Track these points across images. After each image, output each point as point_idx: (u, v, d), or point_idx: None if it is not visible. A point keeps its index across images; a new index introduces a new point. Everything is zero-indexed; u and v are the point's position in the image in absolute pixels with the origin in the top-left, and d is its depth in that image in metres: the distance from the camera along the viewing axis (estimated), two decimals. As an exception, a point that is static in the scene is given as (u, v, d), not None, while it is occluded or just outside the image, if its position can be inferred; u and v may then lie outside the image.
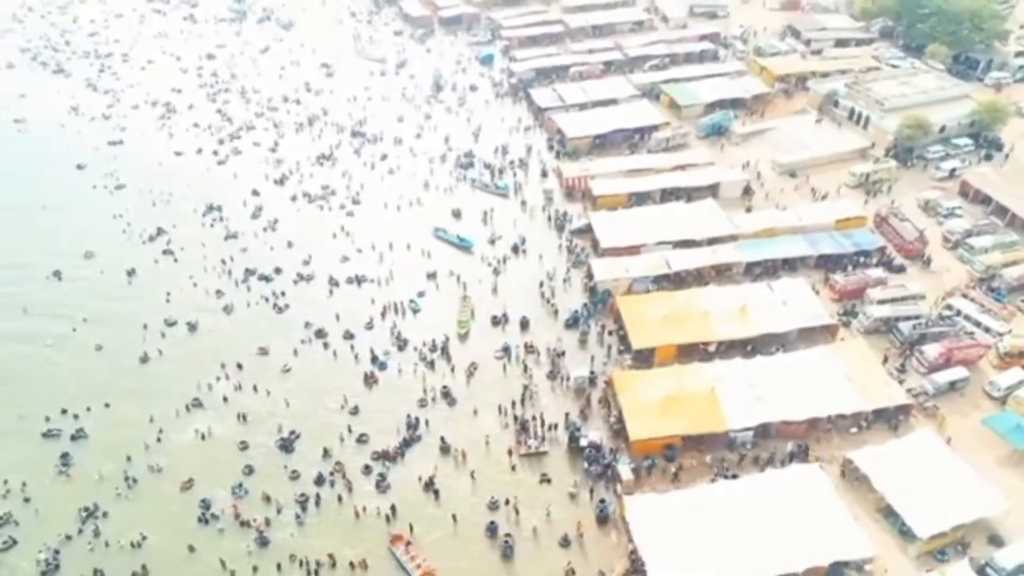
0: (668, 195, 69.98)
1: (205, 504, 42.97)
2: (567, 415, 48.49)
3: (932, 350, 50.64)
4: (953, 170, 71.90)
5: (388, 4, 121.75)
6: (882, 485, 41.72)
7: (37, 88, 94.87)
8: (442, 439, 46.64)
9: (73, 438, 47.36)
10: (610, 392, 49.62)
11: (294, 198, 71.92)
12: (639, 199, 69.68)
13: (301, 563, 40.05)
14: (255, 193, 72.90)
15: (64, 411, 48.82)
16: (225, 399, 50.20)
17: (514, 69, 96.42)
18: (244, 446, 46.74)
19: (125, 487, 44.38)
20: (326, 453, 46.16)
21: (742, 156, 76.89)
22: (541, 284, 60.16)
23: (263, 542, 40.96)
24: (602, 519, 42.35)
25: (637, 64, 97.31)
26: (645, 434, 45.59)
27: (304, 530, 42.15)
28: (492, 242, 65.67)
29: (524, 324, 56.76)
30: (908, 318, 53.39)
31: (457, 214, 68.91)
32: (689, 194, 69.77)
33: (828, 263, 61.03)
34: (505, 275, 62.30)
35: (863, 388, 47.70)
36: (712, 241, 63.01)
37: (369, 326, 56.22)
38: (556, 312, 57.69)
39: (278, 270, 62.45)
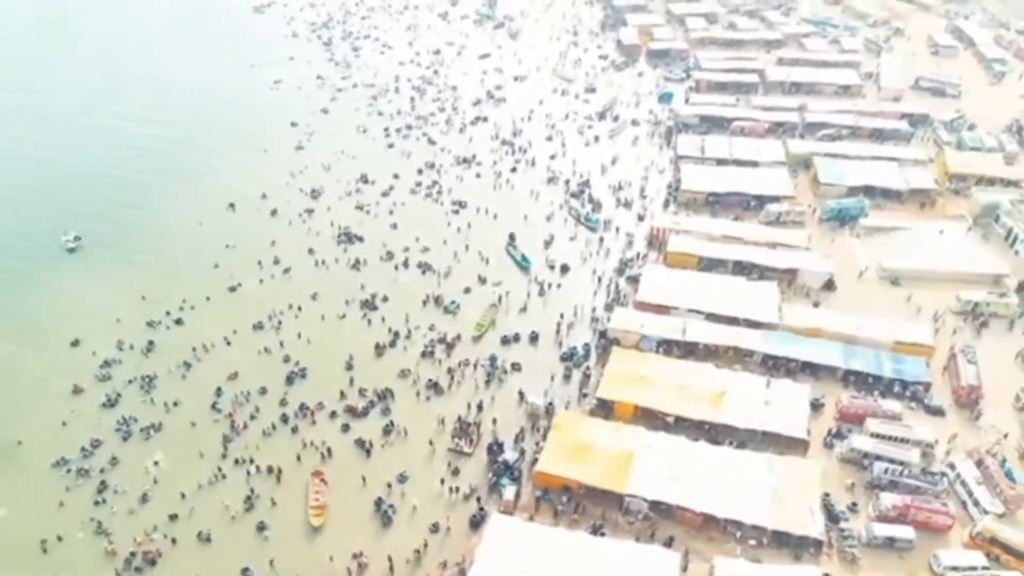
0: (744, 268, 69.57)
1: (218, 394, 56.78)
2: (495, 432, 54.01)
3: (887, 500, 47.05)
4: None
5: (612, 28, 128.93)
6: (726, 600, 41.84)
7: (304, 56, 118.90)
8: (391, 422, 55.06)
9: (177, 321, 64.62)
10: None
11: (413, 190, 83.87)
12: (710, 264, 70.25)
13: (248, 461, 51.81)
14: (395, 176, 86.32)
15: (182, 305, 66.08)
16: (279, 325, 63.87)
17: (680, 111, 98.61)
18: (262, 370, 59.73)
19: (192, 358, 60.04)
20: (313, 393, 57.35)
21: (858, 250, 72.65)
22: (562, 316, 64.92)
23: (228, 440, 53.49)
24: (474, 523, 48.02)
25: (813, 129, 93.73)
26: (548, 469, 49.74)
27: (266, 440, 53.85)
28: (551, 267, 71.54)
29: (533, 338, 62.67)
30: (890, 460, 49.59)
31: (548, 242, 75.14)
32: (763, 272, 68.73)
33: (861, 381, 57.54)
34: (547, 298, 68.04)
35: (780, 507, 46.51)
36: (751, 324, 62.41)
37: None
38: (561, 343, 62.48)
39: (360, 238, 74.93)
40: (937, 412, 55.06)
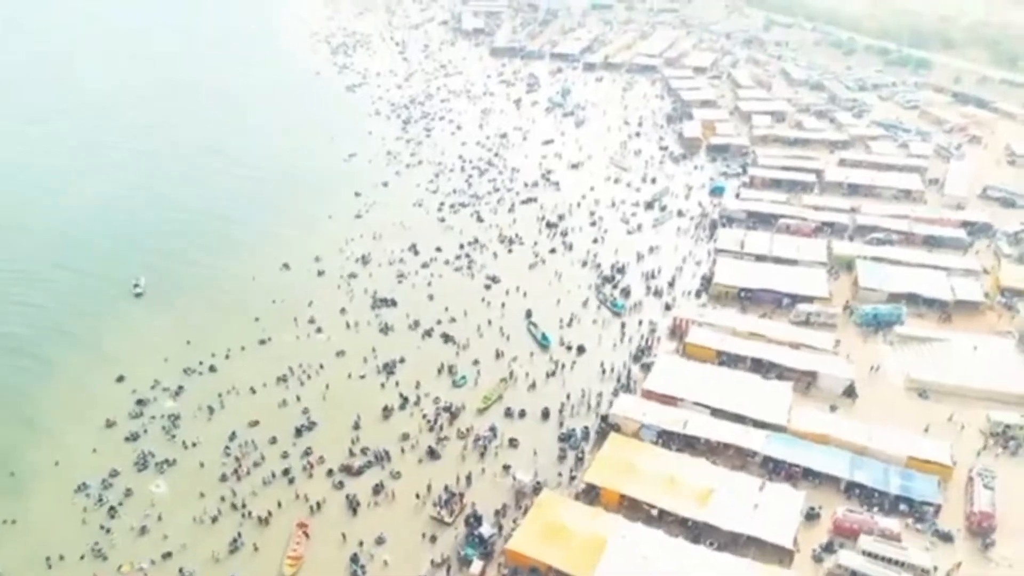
0: (762, 367, 68.61)
1: (231, 438, 60.75)
2: (474, 505, 54.79)
3: (867, 624, 44.57)
4: None
5: (678, 122, 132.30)
6: None
7: (381, 132, 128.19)
8: (380, 483, 57.03)
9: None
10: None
11: (450, 263, 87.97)
12: (729, 359, 69.72)
13: (242, 506, 54.83)
14: (438, 249, 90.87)
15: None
16: (304, 380, 67.87)
17: (728, 206, 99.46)
18: (278, 420, 63.43)
19: (217, 403, 64.60)
20: (308, 451, 60.11)
21: (889, 360, 70.31)
22: (568, 397, 65.80)
23: (226, 480, 56.88)
24: (438, 592, 48.70)
25: (864, 232, 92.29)
26: (520, 548, 49.99)
27: (264, 488, 56.82)
28: (567, 347, 72.90)
29: (545, 414, 63.81)
30: (877, 583, 47.06)
31: (567, 321, 76.89)
32: (782, 372, 67.59)
33: (866, 495, 55.11)
34: (558, 378, 69.23)
35: (748, 617, 44.90)
36: (758, 424, 61.28)
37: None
38: (562, 424, 63.20)
39: (394, 302, 79.20)
40: (945, 537, 51.82)
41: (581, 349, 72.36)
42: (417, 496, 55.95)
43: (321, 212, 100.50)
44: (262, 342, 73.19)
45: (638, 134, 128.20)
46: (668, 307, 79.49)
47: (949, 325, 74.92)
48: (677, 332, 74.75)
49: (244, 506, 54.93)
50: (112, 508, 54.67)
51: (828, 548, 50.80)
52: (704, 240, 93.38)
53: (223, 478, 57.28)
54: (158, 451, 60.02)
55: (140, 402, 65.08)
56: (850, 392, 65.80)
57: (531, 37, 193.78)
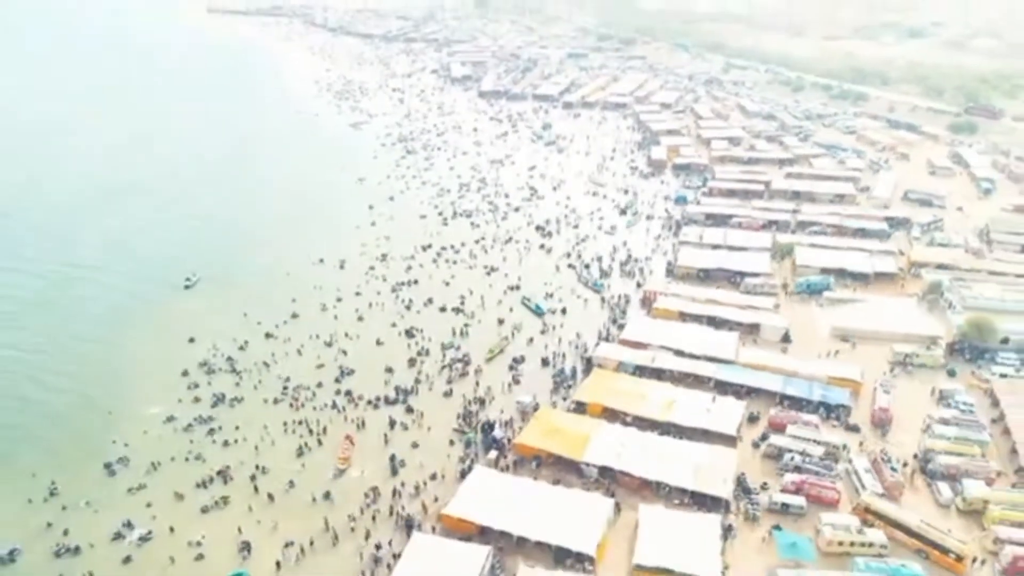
0: (716, 324, 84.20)
1: (287, 381, 74.78)
2: (488, 418, 69.15)
3: (789, 477, 59.28)
4: (1003, 375, 72.47)
5: (647, 148, 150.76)
6: (642, 532, 54.61)
7: (385, 159, 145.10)
8: (411, 407, 71.40)
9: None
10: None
11: (451, 258, 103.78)
12: (690, 319, 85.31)
13: (304, 423, 68.78)
14: (443, 247, 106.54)
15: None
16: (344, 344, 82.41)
17: (688, 210, 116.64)
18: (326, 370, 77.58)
19: (271, 360, 78.48)
20: (349, 392, 74.19)
21: (819, 316, 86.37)
22: (559, 342, 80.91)
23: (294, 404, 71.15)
24: (463, 474, 62.45)
25: (804, 227, 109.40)
26: (525, 442, 64.37)
27: (317, 414, 70.73)
28: (553, 312, 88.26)
29: (544, 362, 78.52)
30: (797, 452, 61.89)
31: (551, 295, 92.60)
32: (732, 326, 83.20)
33: (795, 404, 70.19)
34: (550, 335, 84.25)
35: (700, 477, 59.34)
36: (712, 360, 76.55)
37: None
38: (555, 366, 78.08)
39: (416, 282, 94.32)
40: (853, 429, 66.96)
41: (564, 311, 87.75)
42: (448, 394, 70.43)
43: (340, 222, 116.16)
44: (294, 316, 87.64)
45: (612, 158, 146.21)
46: (639, 285, 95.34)
47: (868, 291, 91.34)
48: (647, 302, 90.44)
49: (303, 423, 68.87)
50: (208, 428, 68.28)
51: (763, 438, 65.61)
52: (669, 236, 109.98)
53: (286, 407, 71.34)
54: (228, 393, 73.86)
55: (203, 364, 78.70)
56: (786, 339, 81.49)
57: (514, 82, 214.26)
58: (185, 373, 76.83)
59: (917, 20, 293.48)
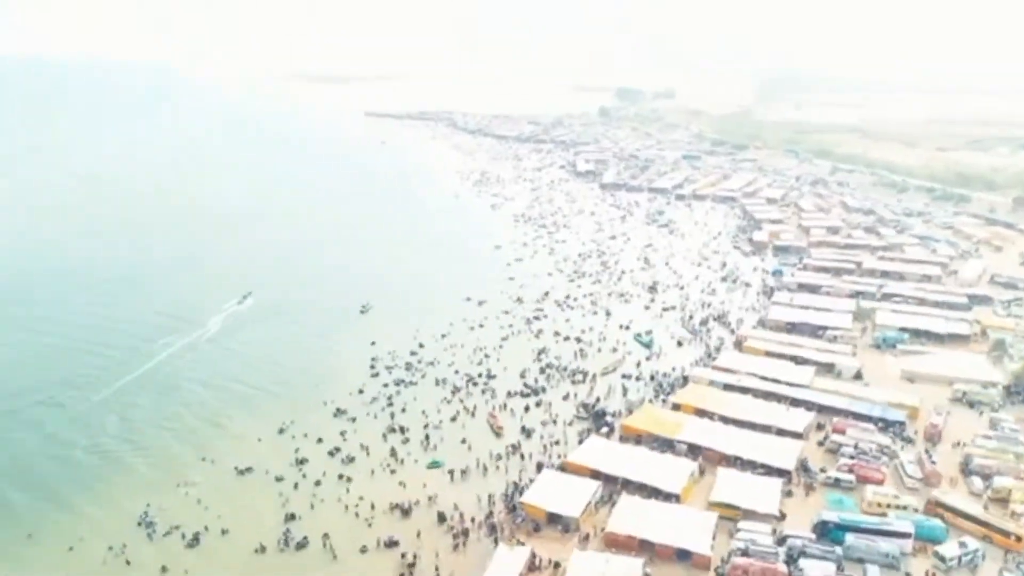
0: (797, 361, 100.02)
1: (455, 373, 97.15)
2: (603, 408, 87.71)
3: (843, 460, 74.35)
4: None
5: (748, 231, 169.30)
6: (718, 483, 71.21)
7: (522, 233, 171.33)
8: (540, 400, 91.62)
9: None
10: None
11: (573, 305, 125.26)
12: (774, 356, 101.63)
13: (461, 402, 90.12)
14: (567, 296, 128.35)
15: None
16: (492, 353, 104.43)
17: (782, 280, 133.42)
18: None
19: (438, 359, 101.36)
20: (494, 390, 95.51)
21: (891, 362, 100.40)
22: (665, 373, 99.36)
23: (455, 392, 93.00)
24: (580, 441, 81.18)
25: (888, 299, 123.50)
26: (631, 423, 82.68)
27: (470, 398, 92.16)
28: (658, 352, 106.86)
29: (651, 377, 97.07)
30: (853, 446, 76.77)
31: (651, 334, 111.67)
32: (810, 364, 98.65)
33: (858, 418, 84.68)
34: (655, 362, 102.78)
35: (767, 454, 75.34)
36: (790, 385, 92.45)
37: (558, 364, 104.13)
38: (661, 383, 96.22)
39: (545, 316, 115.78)
40: (906, 440, 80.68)
41: (664, 349, 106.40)
42: (566, 398, 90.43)
43: (481, 274, 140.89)
44: (444, 335, 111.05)
45: (716, 239, 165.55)
46: (733, 332, 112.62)
47: (940, 348, 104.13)
48: (739, 343, 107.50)
49: (461, 402, 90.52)
50: (388, 399, 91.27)
51: (826, 438, 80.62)
52: (763, 299, 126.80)
53: (452, 390, 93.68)
54: (404, 379, 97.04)
55: (372, 361, 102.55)
56: (858, 376, 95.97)
57: (632, 177, 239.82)
58: (372, 365, 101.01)
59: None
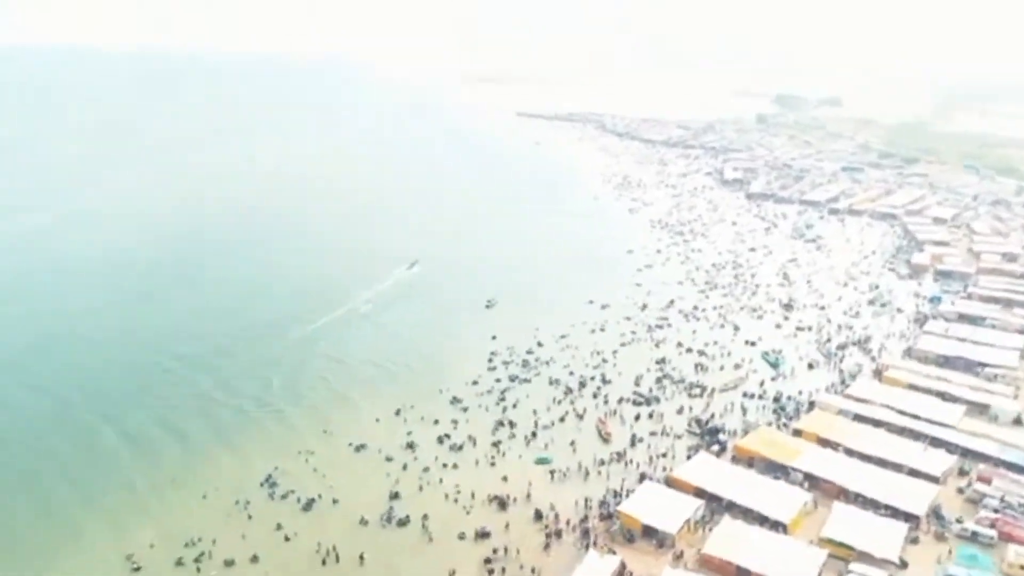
0: (945, 398, 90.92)
1: (569, 374, 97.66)
2: (715, 424, 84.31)
3: (985, 512, 67.07)
4: None
5: (908, 252, 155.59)
6: (833, 517, 66.44)
7: (656, 239, 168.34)
8: (653, 411, 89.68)
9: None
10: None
11: (701, 317, 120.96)
12: (919, 391, 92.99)
13: (570, 403, 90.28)
14: (694, 307, 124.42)
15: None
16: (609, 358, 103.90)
17: (940, 308, 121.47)
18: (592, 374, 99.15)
19: (557, 359, 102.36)
20: (597, 392, 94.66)
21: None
22: (791, 396, 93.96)
23: (568, 394, 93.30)
24: (688, 457, 78.69)
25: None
26: (744, 445, 78.97)
27: (581, 401, 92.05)
28: (785, 375, 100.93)
29: (775, 400, 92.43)
30: (998, 497, 68.80)
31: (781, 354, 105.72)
32: (960, 403, 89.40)
33: (1008, 467, 75.85)
34: (781, 383, 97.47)
35: (894, 494, 69.19)
36: (933, 423, 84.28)
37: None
38: (784, 406, 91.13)
39: (669, 325, 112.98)
40: (1064, 493, 71.15)
41: (794, 370, 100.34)
42: (680, 411, 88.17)
43: (609, 278, 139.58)
44: (564, 336, 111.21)
45: (868, 258, 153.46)
46: (873, 359, 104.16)
47: None
48: (878, 373, 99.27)
49: (572, 403, 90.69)
50: (501, 394, 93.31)
51: (968, 485, 72.75)
52: (914, 328, 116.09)
53: (566, 391, 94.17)
54: (521, 375, 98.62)
55: (491, 358, 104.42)
56: (1018, 422, 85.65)
57: (783, 187, 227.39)
58: (490, 359, 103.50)
59: None
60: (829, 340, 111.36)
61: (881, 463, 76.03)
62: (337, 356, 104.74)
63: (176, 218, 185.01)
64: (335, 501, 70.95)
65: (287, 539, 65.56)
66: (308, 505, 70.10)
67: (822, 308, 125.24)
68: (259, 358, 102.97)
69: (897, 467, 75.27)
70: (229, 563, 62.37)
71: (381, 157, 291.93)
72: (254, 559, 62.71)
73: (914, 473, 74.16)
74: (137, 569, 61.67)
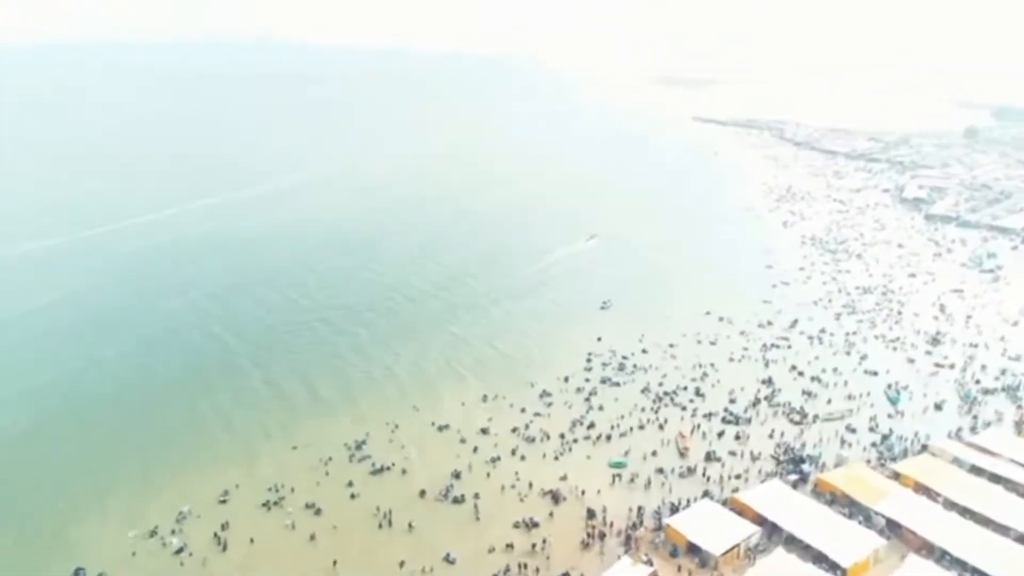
0: None
1: (659, 384, 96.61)
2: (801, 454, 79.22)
3: None
4: None
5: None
6: (904, 572, 60.81)
7: (807, 254, 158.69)
8: (739, 433, 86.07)
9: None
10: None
11: (828, 341, 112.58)
12: None
13: (657, 414, 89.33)
14: (822, 331, 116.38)
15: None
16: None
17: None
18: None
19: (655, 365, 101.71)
20: (687, 406, 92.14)
21: None
22: (903, 436, 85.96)
23: (657, 400, 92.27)
24: (762, 482, 75.13)
25: None
26: (828, 479, 73.75)
27: (664, 410, 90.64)
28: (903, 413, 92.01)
29: (883, 438, 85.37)
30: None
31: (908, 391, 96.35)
32: None
33: None
34: (896, 421, 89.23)
35: (996, 561, 61.78)
36: None
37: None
38: (892, 445, 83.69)
39: (788, 346, 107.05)
40: None
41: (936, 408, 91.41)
42: (771, 435, 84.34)
43: (738, 292, 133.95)
44: (672, 345, 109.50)
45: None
46: (1020, 407, 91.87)
47: None
48: (1020, 425, 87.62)
49: (655, 412, 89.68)
50: (589, 394, 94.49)
51: (1086, 561, 63.06)
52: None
53: (655, 399, 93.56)
54: (612, 378, 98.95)
55: (589, 358, 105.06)
56: None
57: (972, 210, 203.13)
58: (588, 358, 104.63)
59: None
60: (978, 382, 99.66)
61: (985, 521, 67.99)
62: (463, 336, 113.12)
63: (375, 196, 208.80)
64: (404, 472, 76.56)
65: (352, 496, 72.05)
66: (378, 471, 76.26)
67: (975, 346, 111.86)
68: (404, 328, 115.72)
69: (1004, 530, 66.92)
70: (309, 506, 70.16)
71: (556, 157, 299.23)
72: (318, 512, 69.63)
73: (1022, 540, 65.61)
74: (224, 502, 70.94)
